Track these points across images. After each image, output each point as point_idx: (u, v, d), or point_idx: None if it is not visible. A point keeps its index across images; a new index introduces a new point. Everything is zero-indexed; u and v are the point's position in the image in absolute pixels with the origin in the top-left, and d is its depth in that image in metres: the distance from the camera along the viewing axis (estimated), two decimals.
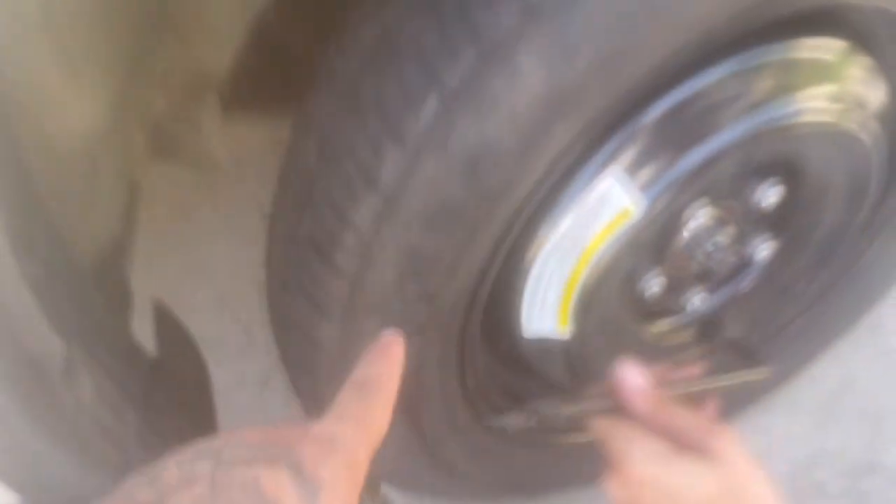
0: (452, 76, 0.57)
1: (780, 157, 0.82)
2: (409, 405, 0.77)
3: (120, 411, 0.65)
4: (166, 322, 0.97)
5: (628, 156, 0.73)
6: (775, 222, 0.91)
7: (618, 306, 0.86)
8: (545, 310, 0.80)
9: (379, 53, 0.60)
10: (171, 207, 1.52)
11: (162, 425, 0.74)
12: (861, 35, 0.80)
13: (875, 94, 0.83)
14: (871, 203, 0.93)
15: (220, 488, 0.34)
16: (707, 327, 0.93)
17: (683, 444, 0.56)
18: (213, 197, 1.58)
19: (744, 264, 0.94)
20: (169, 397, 0.81)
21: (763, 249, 0.92)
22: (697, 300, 0.94)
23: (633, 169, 0.73)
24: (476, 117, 0.58)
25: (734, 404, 1.16)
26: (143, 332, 0.83)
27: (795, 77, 0.77)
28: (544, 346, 0.85)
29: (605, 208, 0.74)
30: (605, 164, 0.72)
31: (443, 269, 0.66)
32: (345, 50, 0.64)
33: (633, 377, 0.62)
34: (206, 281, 1.53)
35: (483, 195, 0.62)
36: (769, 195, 0.85)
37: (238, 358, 1.43)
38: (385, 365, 0.44)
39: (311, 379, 0.75)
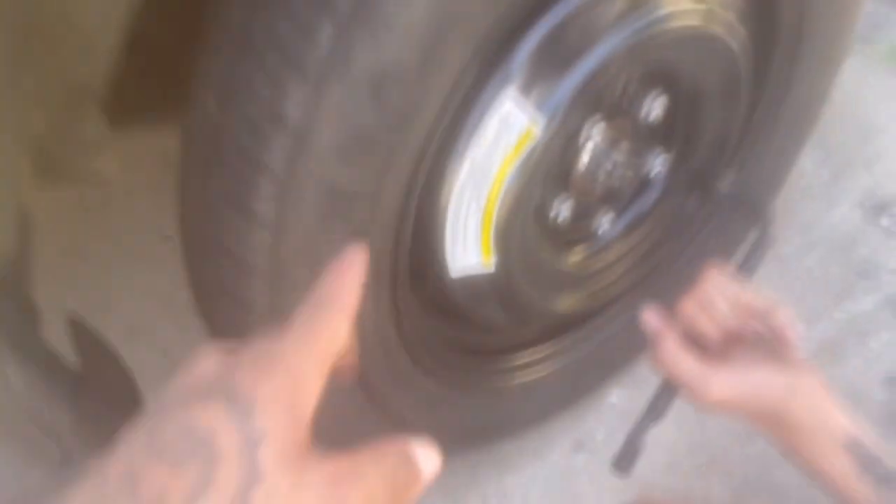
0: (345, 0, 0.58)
1: (658, 65, 0.87)
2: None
3: (51, 404, 0.62)
4: (85, 336, 0.92)
5: (521, 77, 0.76)
6: (664, 135, 0.96)
7: (534, 234, 0.89)
8: (467, 243, 0.82)
9: None
10: (64, 243, 1.45)
11: (95, 424, 0.71)
12: None
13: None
14: (744, 109, 1.00)
15: (155, 435, 0.33)
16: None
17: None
18: (106, 226, 1.51)
19: (643, 182, 0.99)
20: (98, 406, 0.78)
21: (657, 164, 0.98)
22: (606, 223, 0.98)
23: (527, 89, 0.76)
24: (373, 38, 0.59)
25: None
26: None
27: None
28: (472, 284, 0.86)
29: (507, 132, 0.76)
30: (500, 87, 0.75)
31: (365, 204, 0.67)
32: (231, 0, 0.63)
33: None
34: (113, 313, 1.46)
35: (392, 119, 0.63)
36: (655, 107, 0.90)
37: (160, 384, 1.38)
38: (341, 277, 0.40)
39: None
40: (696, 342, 0.71)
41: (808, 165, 1.46)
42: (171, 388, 0.36)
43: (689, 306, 0.73)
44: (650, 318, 0.74)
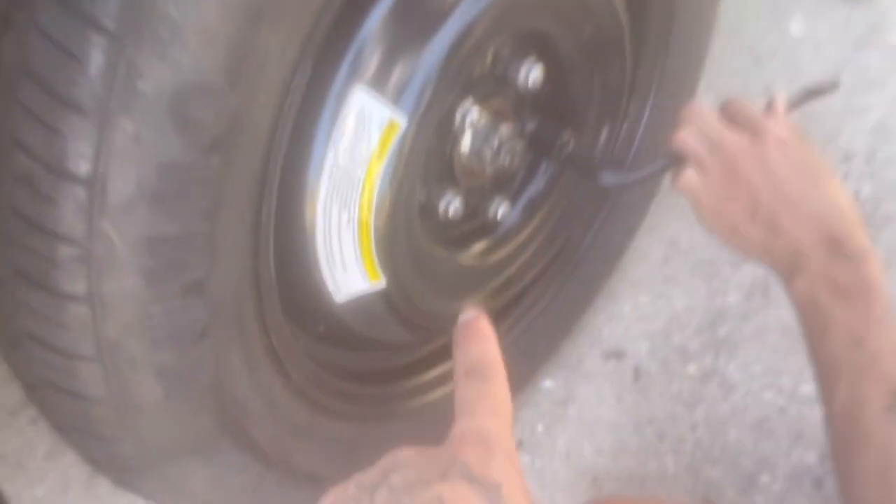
0: (110, 9, 0.45)
1: (525, 30, 0.77)
2: (229, 426, 0.64)
3: None
4: None
5: (370, 65, 0.65)
6: (550, 107, 0.86)
7: (425, 236, 0.78)
8: (346, 263, 0.70)
9: (11, 13, 0.47)
10: None
11: None
12: None
13: None
14: (629, 64, 0.91)
15: None
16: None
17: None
18: None
19: (534, 158, 0.89)
20: None
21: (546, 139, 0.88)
22: (503, 210, 0.88)
23: (380, 78, 0.65)
24: (160, 52, 0.47)
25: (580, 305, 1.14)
26: None
27: None
28: (364, 306, 0.75)
29: (367, 129, 0.65)
30: (347, 82, 0.64)
31: (198, 251, 0.54)
32: None
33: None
34: None
35: (207, 144, 0.51)
36: (532, 74, 0.80)
37: (53, 463, 1.23)
38: (480, 343, 0.46)
39: (100, 443, 0.60)
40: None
41: None
42: (387, 464, 0.37)
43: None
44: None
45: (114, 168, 0.48)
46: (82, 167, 0.48)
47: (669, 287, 1.24)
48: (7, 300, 0.53)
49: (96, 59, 0.46)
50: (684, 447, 1.10)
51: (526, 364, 1.08)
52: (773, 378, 1.15)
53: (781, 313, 1.20)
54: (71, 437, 0.62)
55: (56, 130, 0.47)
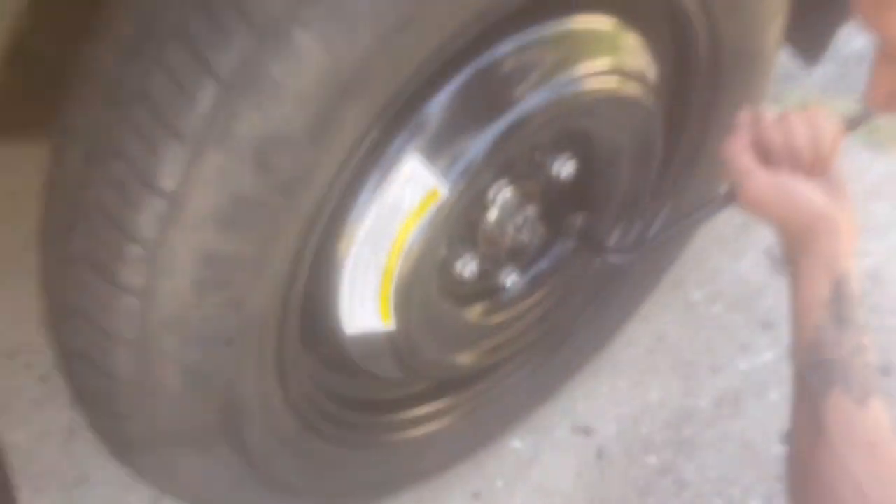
0: (227, 62, 0.53)
1: (570, 129, 0.85)
2: (228, 424, 0.71)
3: None
4: None
5: (427, 138, 0.72)
6: (575, 195, 0.94)
7: (437, 292, 0.85)
8: (365, 303, 0.77)
9: (142, 44, 0.55)
10: None
11: None
12: (630, 14, 0.84)
13: (649, 69, 0.88)
14: (657, 169, 0.99)
15: None
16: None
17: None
18: None
19: (548, 241, 0.97)
20: None
21: (568, 221, 0.96)
22: (513, 278, 0.95)
23: (434, 150, 0.72)
24: (259, 103, 0.54)
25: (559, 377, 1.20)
26: None
27: (574, 50, 0.80)
28: (369, 342, 0.82)
29: (411, 192, 0.73)
30: (405, 148, 0.71)
31: (246, 273, 0.61)
32: (104, 44, 0.57)
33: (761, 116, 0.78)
34: None
35: (279, 186, 0.58)
36: (565, 168, 0.88)
37: (37, 410, 1.28)
38: None
39: (112, 417, 0.67)
40: (765, 156, 0.77)
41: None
42: None
43: (771, 117, 0.78)
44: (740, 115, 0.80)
45: (195, 190, 0.55)
46: (169, 184, 0.55)
47: (648, 378, 1.31)
48: (70, 278, 0.60)
49: (205, 98, 0.53)
50: None
51: (500, 420, 1.14)
52: (725, 486, 1.21)
53: (745, 426, 1.27)
54: (88, 407, 0.69)
55: (155, 149, 0.54)
